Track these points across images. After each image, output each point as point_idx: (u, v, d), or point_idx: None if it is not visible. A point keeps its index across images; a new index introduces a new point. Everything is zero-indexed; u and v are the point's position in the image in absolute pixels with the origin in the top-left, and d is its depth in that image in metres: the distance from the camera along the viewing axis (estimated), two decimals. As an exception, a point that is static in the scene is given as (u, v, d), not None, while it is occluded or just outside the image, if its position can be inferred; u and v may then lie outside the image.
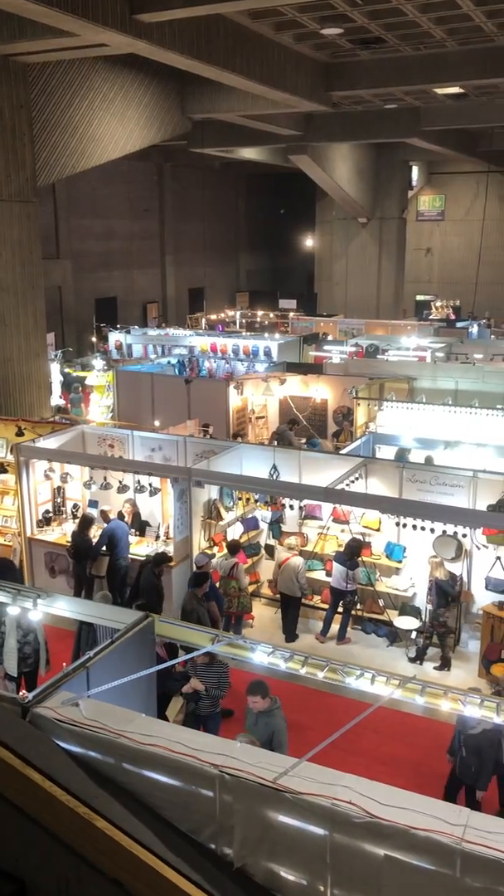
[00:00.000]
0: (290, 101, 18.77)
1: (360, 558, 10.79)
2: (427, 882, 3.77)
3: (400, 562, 11.09)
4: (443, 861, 3.73)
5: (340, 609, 10.94)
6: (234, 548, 10.80)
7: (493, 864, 3.61)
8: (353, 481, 11.01)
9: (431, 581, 10.26)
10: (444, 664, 10.21)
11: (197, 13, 12.84)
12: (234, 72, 15.65)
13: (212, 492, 11.53)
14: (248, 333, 27.05)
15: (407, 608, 10.89)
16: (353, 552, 10.62)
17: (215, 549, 11.32)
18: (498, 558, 10.33)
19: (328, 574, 11.19)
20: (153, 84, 20.01)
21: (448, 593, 10.08)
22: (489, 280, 31.42)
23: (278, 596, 11.30)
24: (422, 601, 10.95)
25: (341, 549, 11.03)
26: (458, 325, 28.50)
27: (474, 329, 27.49)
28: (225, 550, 11.03)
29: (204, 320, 31.97)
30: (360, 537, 11.09)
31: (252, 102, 19.57)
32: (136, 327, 28.05)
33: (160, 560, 10.29)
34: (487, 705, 5.00)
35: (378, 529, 11.34)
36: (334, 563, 10.88)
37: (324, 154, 28.40)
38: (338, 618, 11.01)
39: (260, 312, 33.89)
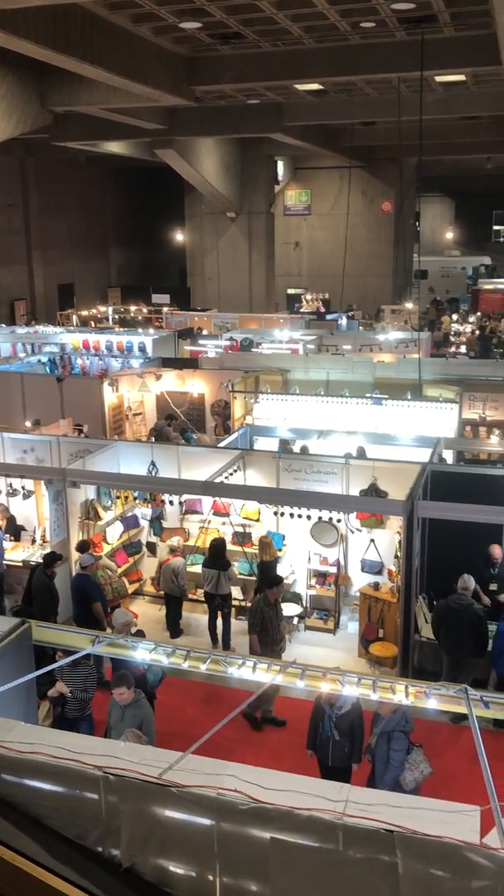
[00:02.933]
0: (151, 94, 18.62)
1: (247, 552, 10.90)
2: (312, 858, 3.86)
3: (280, 550, 11.28)
4: (326, 837, 3.83)
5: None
6: (83, 546, 10.52)
7: (374, 834, 3.75)
8: (231, 474, 11.11)
9: (258, 561, 10.71)
10: None
11: (51, 1, 12.50)
12: (93, 63, 15.35)
13: (89, 492, 11.35)
14: (122, 329, 26.71)
15: (288, 595, 11.10)
16: (218, 553, 10.54)
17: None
18: (372, 541, 10.72)
19: (203, 562, 11.15)
20: (9, 75, 19.32)
21: (271, 574, 10.36)
22: (355, 273, 32.32)
23: (162, 593, 11.27)
24: (302, 587, 11.21)
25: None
26: (328, 317, 29.23)
27: (343, 321, 28.28)
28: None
29: (75, 317, 31.30)
30: (241, 528, 11.21)
31: (113, 95, 19.28)
32: (3, 325, 27.12)
33: (50, 560, 9.96)
34: (364, 683, 5.18)
35: (258, 520, 11.49)
36: (203, 569, 10.74)
37: (189, 148, 28.38)
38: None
39: (133, 308, 33.52)
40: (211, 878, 4.10)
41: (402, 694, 5.10)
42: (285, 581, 11.19)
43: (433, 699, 4.99)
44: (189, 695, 9.33)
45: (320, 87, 21.71)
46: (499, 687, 8.73)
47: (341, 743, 7.18)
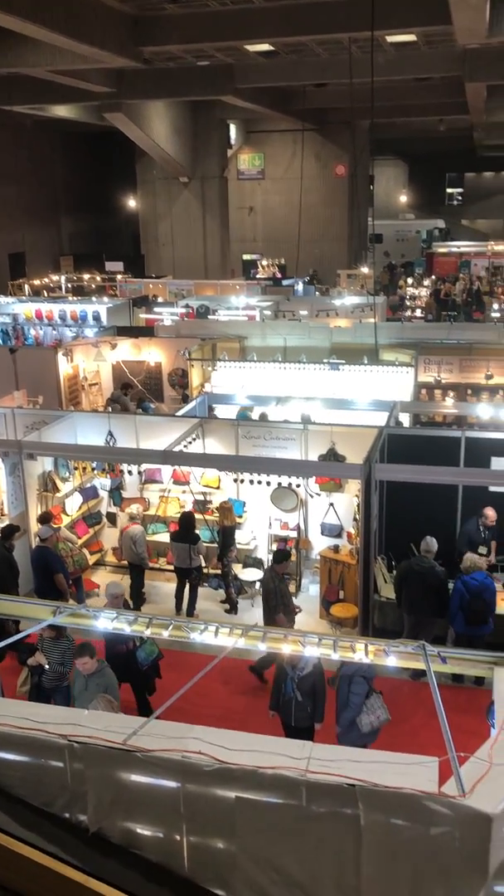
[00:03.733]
0: (99, 55, 18.15)
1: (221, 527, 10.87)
2: (276, 815, 3.96)
3: (240, 516, 11.33)
4: (290, 794, 3.93)
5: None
6: (45, 518, 10.50)
7: (335, 788, 3.85)
8: (190, 442, 11.10)
9: (219, 527, 10.74)
10: (231, 607, 10.64)
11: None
12: (38, 23, 14.90)
13: (46, 463, 11.24)
14: (76, 298, 26.29)
15: (250, 560, 11.20)
16: (188, 526, 10.52)
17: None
18: (331, 505, 10.83)
19: (172, 536, 11.18)
20: (-50, 34, 18.67)
21: (231, 538, 10.58)
22: (310, 237, 32.17)
23: (124, 563, 11.27)
24: (263, 552, 11.31)
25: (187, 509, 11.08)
26: (285, 283, 29.12)
27: (299, 287, 28.19)
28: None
29: (27, 286, 30.68)
30: (201, 496, 11.23)
31: (59, 57, 18.75)
32: (-46, 297, 26.47)
33: (8, 533, 9.87)
34: (325, 643, 5.27)
35: (218, 487, 11.51)
36: (172, 544, 10.72)
37: (139, 112, 27.82)
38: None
39: (86, 276, 32.96)
40: (178, 837, 4.17)
41: (363, 652, 5.20)
42: (246, 546, 11.32)
43: (392, 656, 5.11)
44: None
45: (271, 47, 21.40)
46: (457, 643, 8.94)
47: (303, 703, 7.32)
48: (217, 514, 11.02)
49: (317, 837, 3.91)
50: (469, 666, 5.30)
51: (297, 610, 9.55)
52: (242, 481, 11.16)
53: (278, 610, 9.19)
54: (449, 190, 58.16)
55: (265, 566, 11.02)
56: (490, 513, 9.74)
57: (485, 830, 3.60)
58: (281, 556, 9.41)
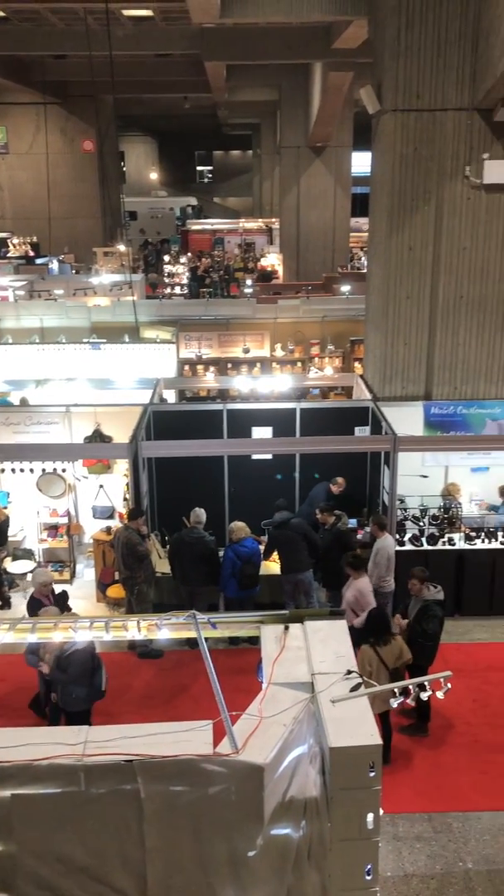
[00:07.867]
0: None
1: None
2: (56, 804, 3.88)
3: (6, 508, 10.87)
4: (68, 781, 3.86)
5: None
6: None
7: (114, 767, 3.84)
8: None
9: None
10: (4, 602, 10.37)
11: None
12: None
13: None
14: None
15: (19, 552, 10.80)
16: None
17: None
18: (101, 486, 10.71)
19: None
20: None
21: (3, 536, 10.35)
22: (63, 215, 31.24)
23: None
24: (33, 542, 10.96)
25: None
26: (38, 261, 28.11)
27: (55, 265, 27.34)
28: None
29: None
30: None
31: None
32: None
33: None
34: (97, 626, 5.21)
35: (-22, 480, 10.95)
36: None
37: None
38: None
39: None
40: (-48, 850, 3.96)
41: (135, 629, 5.20)
42: (14, 537, 10.89)
43: (165, 629, 5.16)
44: None
45: (1, 13, 20.30)
46: (228, 608, 9.27)
47: (78, 681, 7.20)
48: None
49: (98, 819, 3.89)
50: (238, 628, 5.50)
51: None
52: (3, 470, 10.69)
53: (148, 568, 9.26)
54: (199, 168, 59.13)
55: (36, 556, 10.70)
56: (341, 480, 10.16)
57: (258, 781, 3.78)
58: (137, 512, 9.31)
